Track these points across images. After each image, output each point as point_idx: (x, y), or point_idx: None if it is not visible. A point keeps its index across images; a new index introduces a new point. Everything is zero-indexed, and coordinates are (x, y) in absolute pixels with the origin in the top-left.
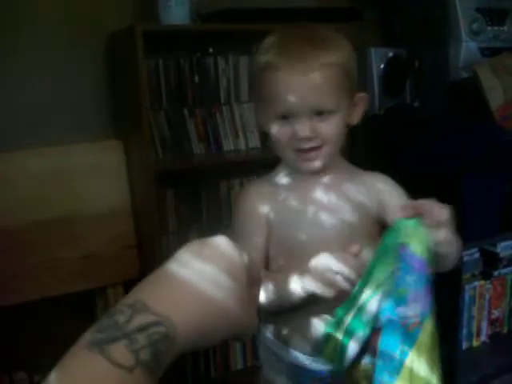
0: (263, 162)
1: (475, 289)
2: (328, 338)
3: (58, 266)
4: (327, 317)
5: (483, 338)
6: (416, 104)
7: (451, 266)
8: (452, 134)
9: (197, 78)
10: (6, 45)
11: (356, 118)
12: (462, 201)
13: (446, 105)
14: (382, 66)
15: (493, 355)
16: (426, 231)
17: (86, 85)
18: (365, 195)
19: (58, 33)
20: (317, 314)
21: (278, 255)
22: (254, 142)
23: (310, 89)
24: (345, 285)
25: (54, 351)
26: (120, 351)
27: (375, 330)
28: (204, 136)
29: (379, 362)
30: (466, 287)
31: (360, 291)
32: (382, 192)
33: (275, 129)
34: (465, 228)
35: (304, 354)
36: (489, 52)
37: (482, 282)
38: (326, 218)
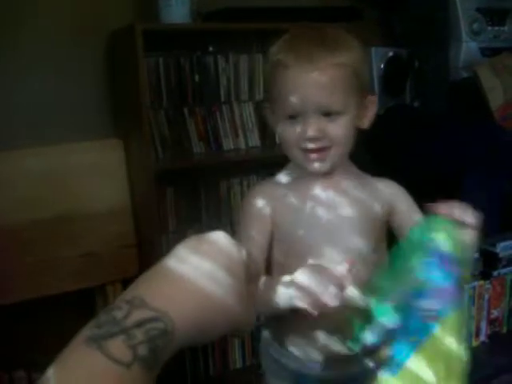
0: (263, 161)
1: (474, 289)
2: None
3: (58, 265)
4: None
5: (482, 337)
6: (416, 104)
7: None
8: (452, 133)
9: (197, 77)
10: (6, 44)
11: (366, 121)
12: (462, 200)
13: (446, 105)
14: (382, 66)
15: (492, 355)
16: (456, 230)
17: (86, 83)
18: (374, 200)
19: (58, 31)
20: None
21: (281, 257)
22: (254, 141)
23: (318, 88)
24: (324, 302)
25: (54, 350)
26: (118, 347)
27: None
28: (204, 135)
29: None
30: (466, 287)
31: (385, 286)
32: (392, 198)
33: (284, 128)
34: None
35: (309, 360)
36: (489, 52)
37: (482, 282)
38: (332, 220)
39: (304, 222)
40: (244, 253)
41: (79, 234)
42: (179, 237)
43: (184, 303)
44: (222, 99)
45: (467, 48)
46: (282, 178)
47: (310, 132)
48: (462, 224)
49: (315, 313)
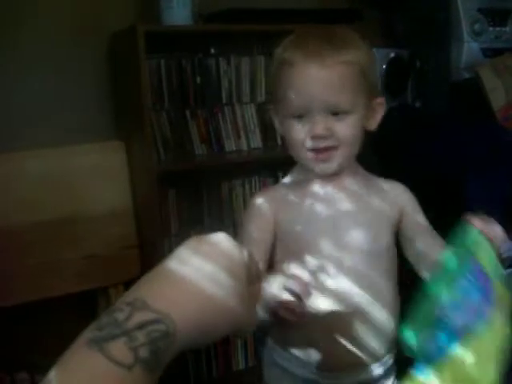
0: (265, 162)
1: None
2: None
3: (60, 267)
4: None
5: None
6: (418, 104)
7: None
8: (453, 134)
9: (199, 79)
10: (6, 44)
11: (373, 123)
12: (464, 201)
13: (447, 105)
14: (383, 67)
15: None
16: (492, 248)
17: (87, 85)
18: (384, 203)
19: (59, 33)
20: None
21: (282, 256)
22: (256, 142)
23: (325, 85)
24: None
25: (56, 351)
26: (119, 349)
27: None
28: (206, 137)
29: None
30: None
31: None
32: (403, 202)
33: (289, 128)
34: None
35: (319, 369)
36: (491, 52)
37: None
38: (340, 223)
39: (303, 218)
40: (245, 254)
41: (81, 236)
42: (181, 238)
43: (185, 305)
44: (224, 101)
45: (469, 48)
46: (289, 180)
47: (317, 130)
48: (494, 240)
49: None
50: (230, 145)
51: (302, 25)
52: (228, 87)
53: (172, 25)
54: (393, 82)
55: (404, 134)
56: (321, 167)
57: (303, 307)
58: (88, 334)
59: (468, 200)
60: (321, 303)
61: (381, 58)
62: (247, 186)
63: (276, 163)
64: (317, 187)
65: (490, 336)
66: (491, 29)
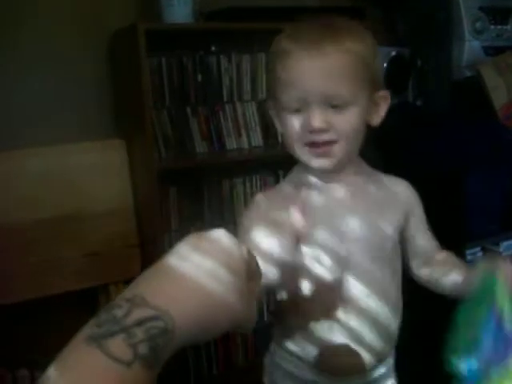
0: (266, 160)
1: None
2: None
3: (60, 265)
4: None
5: None
6: (419, 103)
7: None
8: (455, 132)
9: (199, 77)
10: (7, 44)
11: (377, 117)
12: (465, 199)
13: (449, 104)
14: (384, 65)
15: None
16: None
17: (88, 83)
18: (390, 202)
19: (59, 31)
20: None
21: None
22: (257, 140)
23: (324, 75)
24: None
25: (56, 349)
26: (118, 346)
27: None
28: (207, 135)
29: None
30: None
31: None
32: (409, 203)
33: (286, 122)
34: (468, 227)
35: (322, 370)
36: (492, 51)
37: None
38: (344, 222)
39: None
40: (245, 250)
41: (82, 234)
42: (182, 236)
43: (185, 301)
44: (225, 99)
45: (470, 47)
46: (287, 180)
47: (314, 123)
48: None
49: None
50: (230, 143)
51: (306, 18)
52: (229, 85)
53: (173, 23)
54: (394, 81)
55: (405, 132)
56: (319, 162)
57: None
58: (87, 330)
59: (469, 198)
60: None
61: (382, 57)
62: (248, 184)
63: (277, 161)
64: (317, 185)
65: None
66: (492, 27)
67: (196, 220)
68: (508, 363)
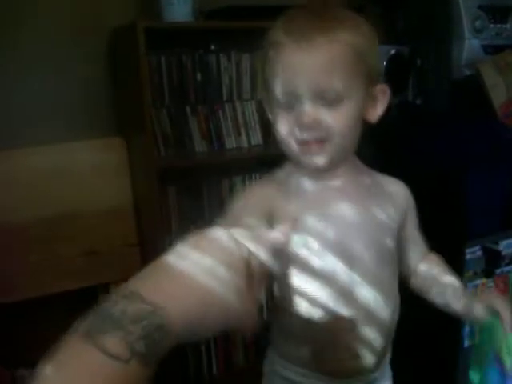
0: (265, 159)
1: (477, 287)
2: None
3: (60, 264)
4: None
5: None
6: (418, 101)
7: None
8: (454, 131)
9: (199, 76)
10: (7, 44)
11: (375, 113)
12: (465, 198)
13: (448, 102)
14: (384, 64)
15: None
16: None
17: (87, 82)
18: (387, 199)
19: (59, 29)
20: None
21: None
22: (257, 139)
23: (314, 67)
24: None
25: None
26: (114, 342)
27: None
28: (206, 133)
29: None
30: (468, 285)
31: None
32: (406, 203)
33: (278, 118)
34: (467, 226)
35: (322, 375)
36: (491, 49)
37: (484, 280)
38: (337, 208)
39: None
40: (245, 249)
41: (81, 233)
42: (181, 235)
43: (182, 298)
44: (225, 98)
45: (470, 45)
46: (278, 174)
47: (305, 119)
48: None
49: None
50: (230, 142)
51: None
52: (228, 84)
53: (172, 21)
54: (393, 79)
55: (405, 131)
56: (310, 160)
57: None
58: (82, 326)
59: (468, 197)
60: (308, 284)
61: (381, 55)
62: (247, 183)
63: (276, 160)
64: (308, 184)
65: None
66: (492, 26)
67: (195, 219)
68: None
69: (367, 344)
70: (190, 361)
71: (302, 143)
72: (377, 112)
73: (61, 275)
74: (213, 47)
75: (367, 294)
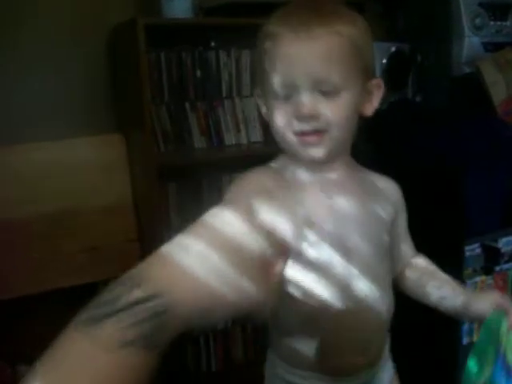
0: (265, 156)
1: (476, 284)
2: None
3: (60, 260)
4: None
5: None
6: (418, 99)
7: None
8: (454, 128)
9: (199, 72)
10: (6, 44)
11: (370, 107)
12: (464, 196)
13: (448, 100)
14: (384, 61)
15: None
16: None
17: (87, 79)
18: (381, 195)
19: (59, 26)
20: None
21: None
22: (256, 136)
23: (313, 58)
24: None
25: None
26: (114, 327)
27: None
28: (206, 130)
29: None
30: (468, 282)
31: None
32: (397, 202)
33: (274, 109)
34: (466, 223)
35: (324, 374)
36: (492, 47)
37: (484, 278)
38: (334, 200)
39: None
40: (258, 233)
41: (81, 229)
42: (181, 231)
43: (187, 283)
44: (224, 94)
45: (470, 43)
46: (273, 165)
47: (303, 110)
48: None
49: None
50: (229, 138)
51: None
52: (228, 80)
53: (172, 18)
54: (393, 77)
55: (404, 128)
56: (308, 152)
57: None
58: (83, 313)
59: (468, 194)
60: (305, 277)
61: (382, 53)
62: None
63: (276, 157)
64: (304, 175)
65: None
66: (492, 23)
67: (195, 215)
68: None
69: (366, 338)
70: (189, 357)
71: (300, 134)
72: (372, 106)
73: (62, 271)
74: (212, 44)
75: (364, 286)
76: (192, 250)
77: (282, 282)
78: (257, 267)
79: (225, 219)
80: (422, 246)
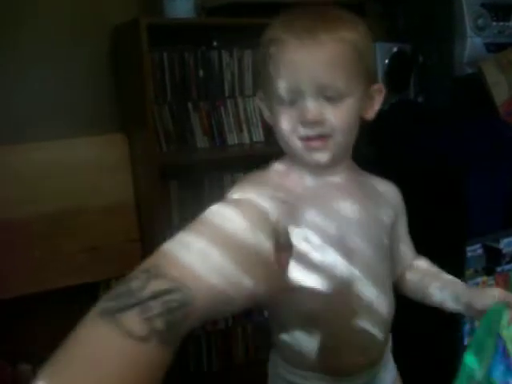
0: (267, 156)
1: (478, 285)
2: None
3: (61, 259)
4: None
5: None
6: (420, 99)
7: None
8: (456, 129)
9: (201, 72)
10: (6, 44)
11: (371, 111)
12: (466, 196)
13: (450, 100)
14: (386, 62)
15: None
16: None
17: (90, 78)
18: (382, 199)
19: (62, 26)
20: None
21: None
22: (258, 135)
23: (317, 64)
24: None
25: (58, 344)
26: (133, 320)
27: None
28: (208, 130)
29: None
30: (469, 283)
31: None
32: (397, 205)
33: (279, 115)
34: (468, 224)
35: (327, 375)
36: (494, 47)
37: (485, 278)
38: (337, 204)
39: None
40: (274, 221)
41: (83, 228)
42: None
43: (205, 273)
44: (227, 94)
45: (472, 43)
46: (275, 168)
47: (309, 115)
48: None
49: None
50: (232, 138)
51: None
52: (230, 80)
53: (175, 18)
54: (395, 77)
55: (406, 129)
56: (313, 157)
57: None
58: (101, 304)
59: (470, 195)
60: (307, 278)
61: (383, 53)
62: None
63: (278, 157)
64: (308, 179)
65: None
66: (494, 24)
67: (197, 215)
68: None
69: (367, 338)
70: (191, 357)
71: (305, 139)
72: (373, 110)
73: (62, 271)
74: (215, 43)
75: (366, 288)
76: (193, 248)
77: (286, 279)
78: (259, 263)
79: (225, 216)
80: (424, 246)
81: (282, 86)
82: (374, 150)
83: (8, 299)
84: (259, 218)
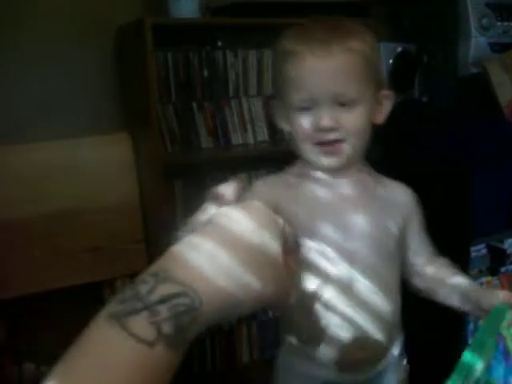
0: (272, 155)
1: (482, 285)
2: None
3: (65, 259)
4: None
5: None
6: (425, 99)
7: None
8: (461, 129)
9: (206, 72)
10: (6, 44)
11: (381, 116)
12: (471, 196)
13: (455, 100)
14: (390, 61)
15: None
16: None
17: (94, 78)
18: (393, 204)
19: (66, 25)
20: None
21: None
22: (263, 135)
23: (332, 74)
24: None
25: (62, 343)
26: (141, 324)
27: None
28: (212, 130)
29: None
30: None
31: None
32: (409, 207)
33: (295, 121)
34: (473, 224)
35: (339, 367)
36: (498, 47)
37: (489, 278)
38: (350, 218)
39: (305, 204)
40: (281, 223)
41: (87, 228)
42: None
43: (213, 277)
44: (231, 94)
45: (476, 43)
46: (289, 172)
47: (324, 122)
48: None
49: None
50: (236, 138)
51: (309, 18)
52: (235, 80)
53: (179, 18)
54: (400, 77)
55: (411, 129)
56: (328, 161)
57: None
58: (109, 308)
59: (475, 195)
60: (323, 290)
61: (388, 53)
62: (254, 180)
63: (283, 157)
64: (320, 192)
65: None
66: (499, 23)
67: None
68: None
69: (370, 339)
70: (195, 357)
71: (321, 145)
72: (382, 115)
73: (66, 270)
74: (219, 43)
75: (366, 288)
76: (202, 250)
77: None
78: (267, 265)
79: (233, 218)
80: None
81: (298, 96)
82: (379, 150)
83: (12, 298)
84: (267, 219)
